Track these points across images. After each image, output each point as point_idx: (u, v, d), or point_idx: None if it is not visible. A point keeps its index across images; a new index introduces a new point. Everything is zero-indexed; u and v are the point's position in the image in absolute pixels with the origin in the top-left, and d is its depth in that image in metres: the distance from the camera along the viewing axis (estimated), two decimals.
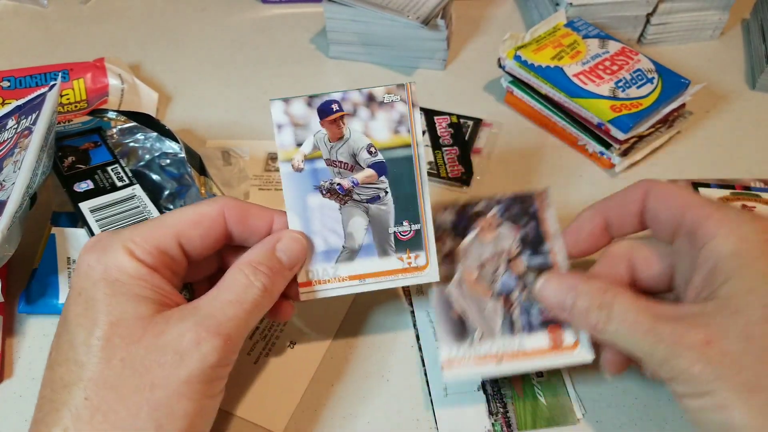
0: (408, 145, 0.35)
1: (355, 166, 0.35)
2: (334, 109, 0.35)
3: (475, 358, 0.35)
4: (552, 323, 0.35)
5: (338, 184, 0.35)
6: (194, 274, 0.36)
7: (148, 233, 0.31)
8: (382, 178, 0.35)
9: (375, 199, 0.35)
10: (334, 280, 0.35)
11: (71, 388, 0.28)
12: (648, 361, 0.29)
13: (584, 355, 0.34)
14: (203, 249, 0.33)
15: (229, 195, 0.34)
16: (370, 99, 0.35)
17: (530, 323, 0.35)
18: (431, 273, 0.35)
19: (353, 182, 0.35)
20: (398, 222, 0.35)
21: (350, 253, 0.35)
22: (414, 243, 0.35)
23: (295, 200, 0.35)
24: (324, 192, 0.35)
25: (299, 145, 0.35)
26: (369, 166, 0.35)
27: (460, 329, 0.35)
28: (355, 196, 0.35)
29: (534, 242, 0.37)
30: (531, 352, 0.34)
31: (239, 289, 0.31)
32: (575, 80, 0.51)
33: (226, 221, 0.33)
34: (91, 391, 0.27)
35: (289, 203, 0.35)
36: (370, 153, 0.35)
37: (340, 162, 0.35)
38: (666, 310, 0.29)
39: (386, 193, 0.35)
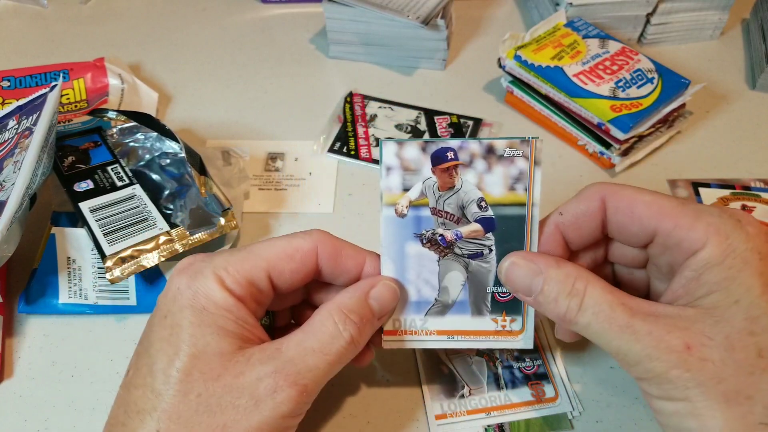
0: (522, 204, 0.33)
1: (461, 218, 0.33)
2: (449, 157, 0.33)
3: (466, 412, 0.37)
4: (532, 380, 0.38)
5: (441, 235, 0.33)
6: (278, 305, 0.35)
7: (239, 263, 0.30)
8: (489, 234, 0.33)
9: (477, 255, 0.33)
10: (421, 332, 0.34)
11: (144, 416, 0.28)
12: (620, 358, 0.28)
13: (564, 406, 0.37)
14: (292, 283, 0.32)
15: (321, 230, 0.33)
16: (489, 151, 0.33)
17: (513, 379, 0.38)
18: (526, 340, 0.34)
19: (457, 235, 0.33)
20: (498, 282, 0.33)
21: (442, 307, 0.34)
22: (512, 306, 0.34)
23: (393, 246, 0.33)
24: (425, 241, 0.33)
25: (406, 190, 0.33)
26: (477, 221, 0.33)
27: (449, 385, 0.38)
28: (457, 250, 0.33)
29: None
30: (517, 404, 0.37)
31: (325, 338, 0.30)
32: (575, 80, 0.51)
33: (318, 257, 0.32)
34: (164, 423, 0.27)
35: (386, 248, 0.33)
36: (480, 207, 0.33)
37: (447, 213, 0.33)
38: (642, 306, 0.28)
39: (490, 250, 0.33)
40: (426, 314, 0.34)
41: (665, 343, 0.27)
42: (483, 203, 0.33)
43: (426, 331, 0.34)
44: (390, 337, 0.34)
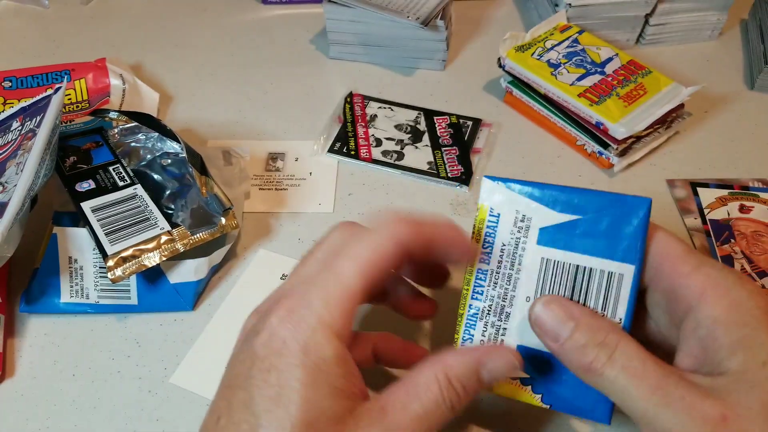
0: None
1: None
2: None
3: None
4: None
5: None
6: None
7: (338, 299, 0.28)
8: None
9: None
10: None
11: None
12: (644, 423, 0.26)
13: None
14: (379, 288, 0.29)
15: (398, 218, 0.30)
16: None
17: None
18: None
19: None
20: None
21: None
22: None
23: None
24: None
25: None
26: None
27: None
28: None
29: None
30: None
31: (430, 404, 0.27)
32: None
33: (403, 251, 0.29)
34: None
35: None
36: None
37: None
38: (674, 370, 0.26)
39: None
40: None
41: (699, 411, 0.25)
42: None
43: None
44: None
